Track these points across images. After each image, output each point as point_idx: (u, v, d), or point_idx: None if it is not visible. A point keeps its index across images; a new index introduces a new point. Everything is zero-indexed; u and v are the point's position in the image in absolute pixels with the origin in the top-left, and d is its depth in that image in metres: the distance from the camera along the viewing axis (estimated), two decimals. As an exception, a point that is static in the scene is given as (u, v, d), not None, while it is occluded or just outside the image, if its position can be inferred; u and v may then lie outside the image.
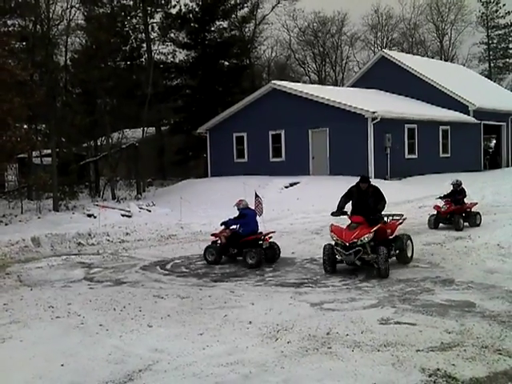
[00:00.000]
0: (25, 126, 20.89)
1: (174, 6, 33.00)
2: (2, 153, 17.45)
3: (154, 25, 33.25)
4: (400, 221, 10.25)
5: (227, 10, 35.37)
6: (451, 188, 14.18)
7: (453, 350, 5.61)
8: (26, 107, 17.70)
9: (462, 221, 13.31)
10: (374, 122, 21.51)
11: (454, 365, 5.23)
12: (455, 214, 13.47)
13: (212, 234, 11.36)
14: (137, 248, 13.15)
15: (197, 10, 33.54)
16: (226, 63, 35.56)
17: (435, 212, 13.79)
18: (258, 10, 43.45)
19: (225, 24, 35.68)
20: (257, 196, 12.37)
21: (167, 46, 35.15)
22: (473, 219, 13.57)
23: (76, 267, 10.91)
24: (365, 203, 9.44)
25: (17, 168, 25.97)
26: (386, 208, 9.55)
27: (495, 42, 60.55)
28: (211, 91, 32.48)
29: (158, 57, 34.31)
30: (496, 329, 6.19)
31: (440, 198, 14.17)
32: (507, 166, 30.03)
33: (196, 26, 33.72)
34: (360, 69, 38.83)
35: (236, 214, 11.17)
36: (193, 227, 15.31)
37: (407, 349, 5.66)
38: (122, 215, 18.51)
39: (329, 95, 23.52)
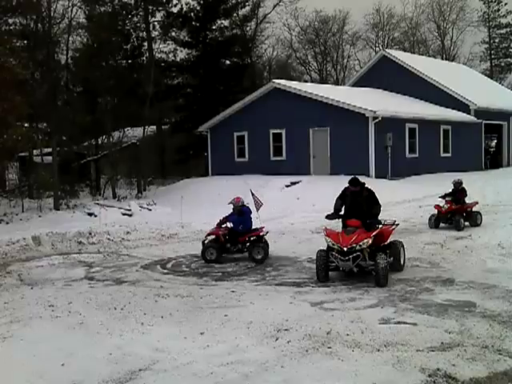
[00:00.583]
0: (26, 125, 20.86)
1: (176, 5, 32.96)
2: (2, 151, 17.48)
3: (155, 23, 33.15)
4: (393, 227, 9.59)
5: (228, 8, 35.28)
6: (452, 187, 14.17)
7: (453, 350, 5.61)
8: (27, 106, 17.68)
9: (462, 220, 13.29)
10: (375, 121, 21.46)
11: (454, 365, 5.24)
12: (456, 213, 13.45)
13: (208, 234, 11.40)
14: (137, 247, 13.17)
15: (198, 8, 33.49)
16: (227, 62, 35.48)
17: (436, 212, 13.80)
18: (259, 9, 43.25)
19: (226, 23, 35.63)
20: (253, 194, 13.01)
21: (168, 44, 35.04)
22: (473, 219, 13.55)
23: (77, 266, 10.93)
24: (359, 207, 8.94)
25: (17, 166, 25.92)
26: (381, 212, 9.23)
27: (497, 41, 60.38)
28: (212, 90, 32.43)
29: (159, 55, 34.25)
30: (496, 329, 6.19)
31: (441, 197, 14.16)
32: (508, 166, 29.99)
33: (197, 24, 33.66)
34: (361, 68, 38.82)
35: (230, 211, 11.36)
36: (193, 226, 15.30)
37: (407, 349, 5.66)
38: (123, 214, 18.51)
39: (330, 94, 23.50)
